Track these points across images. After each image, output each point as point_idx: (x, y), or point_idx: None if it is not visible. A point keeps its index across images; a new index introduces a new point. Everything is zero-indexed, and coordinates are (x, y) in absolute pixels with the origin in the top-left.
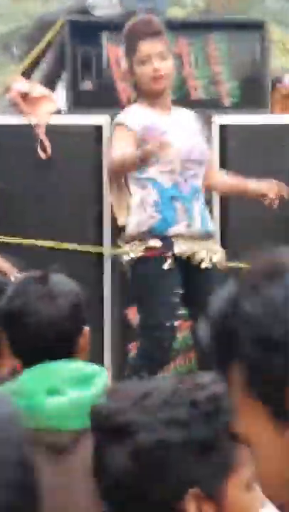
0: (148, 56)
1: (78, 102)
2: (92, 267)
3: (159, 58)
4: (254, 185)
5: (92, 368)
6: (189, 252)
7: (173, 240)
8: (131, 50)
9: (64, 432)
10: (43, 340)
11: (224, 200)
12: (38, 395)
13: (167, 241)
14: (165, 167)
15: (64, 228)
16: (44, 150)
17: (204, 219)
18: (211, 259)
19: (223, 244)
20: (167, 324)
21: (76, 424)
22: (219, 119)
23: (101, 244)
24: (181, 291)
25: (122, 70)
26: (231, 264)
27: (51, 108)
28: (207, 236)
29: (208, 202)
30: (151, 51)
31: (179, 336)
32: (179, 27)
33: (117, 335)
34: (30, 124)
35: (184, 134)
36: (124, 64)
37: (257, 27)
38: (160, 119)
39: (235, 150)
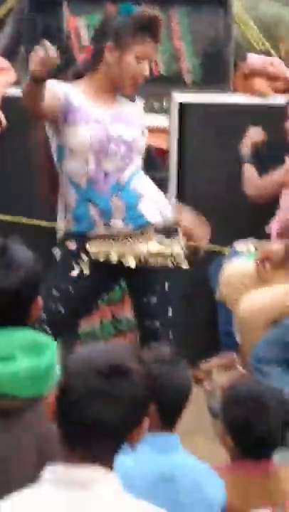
0: (145, 57)
1: None
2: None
3: (148, 65)
4: None
5: (44, 338)
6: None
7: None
8: (132, 37)
9: (15, 398)
10: None
11: None
12: None
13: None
14: (77, 161)
15: (18, 202)
16: None
17: (130, 215)
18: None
19: None
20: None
21: (28, 392)
22: (179, 97)
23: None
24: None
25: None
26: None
27: (8, 79)
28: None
29: None
30: (149, 55)
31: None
32: (142, 0)
33: None
34: None
35: (107, 125)
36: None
37: (220, 2)
38: (88, 105)
39: (194, 129)
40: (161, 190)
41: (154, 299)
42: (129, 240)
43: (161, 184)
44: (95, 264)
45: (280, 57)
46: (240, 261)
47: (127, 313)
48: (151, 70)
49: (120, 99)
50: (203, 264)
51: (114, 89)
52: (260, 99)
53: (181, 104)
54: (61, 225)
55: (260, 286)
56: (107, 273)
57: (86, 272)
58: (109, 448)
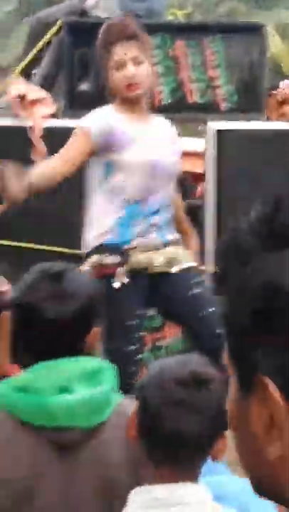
0: (122, 61)
1: (75, 102)
2: None
3: (133, 63)
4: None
5: (99, 363)
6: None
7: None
8: (105, 54)
9: (72, 430)
10: (51, 339)
11: None
12: (46, 392)
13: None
14: (131, 179)
15: (53, 232)
16: (38, 153)
17: (163, 230)
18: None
19: None
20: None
21: (84, 422)
22: (215, 124)
23: None
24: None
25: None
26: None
27: (47, 111)
28: (165, 245)
29: None
30: (126, 56)
31: (164, 345)
32: (177, 29)
33: None
34: (25, 127)
35: (155, 145)
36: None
37: (255, 30)
38: (131, 126)
39: (231, 155)
40: (196, 217)
41: (198, 290)
42: (159, 251)
43: (196, 211)
44: (133, 275)
45: None
46: None
47: (167, 340)
48: (186, 97)
49: (150, 121)
50: None
51: (131, 105)
52: None
53: (218, 131)
54: (90, 239)
55: None
56: (146, 282)
57: (125, 281)
58: (194, 462)
